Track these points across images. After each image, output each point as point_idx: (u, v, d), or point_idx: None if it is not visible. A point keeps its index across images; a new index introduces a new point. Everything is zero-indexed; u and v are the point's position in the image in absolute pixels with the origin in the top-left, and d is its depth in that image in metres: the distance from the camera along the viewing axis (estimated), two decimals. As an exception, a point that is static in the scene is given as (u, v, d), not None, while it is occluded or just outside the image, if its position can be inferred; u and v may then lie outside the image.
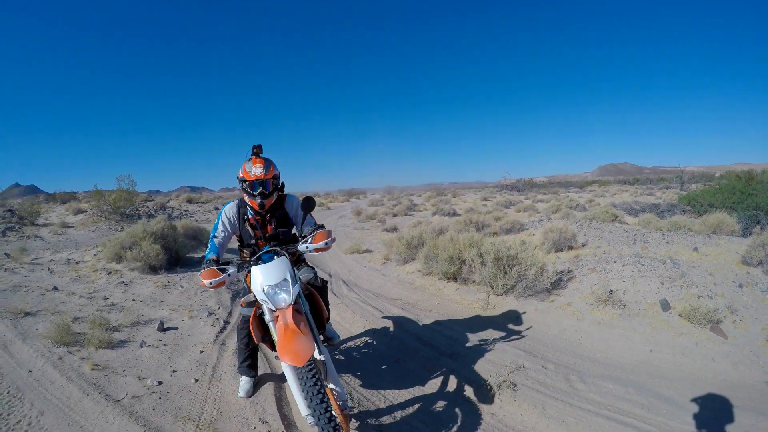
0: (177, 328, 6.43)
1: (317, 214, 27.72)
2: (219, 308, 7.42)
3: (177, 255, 10.44)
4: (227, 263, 3.76)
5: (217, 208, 28.21)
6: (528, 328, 6.59)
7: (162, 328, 6.31)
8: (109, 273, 9.23)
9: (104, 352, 5.40)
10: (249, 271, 3.83)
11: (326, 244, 3.84)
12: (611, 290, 6.99)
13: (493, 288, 7.72)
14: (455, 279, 8.81)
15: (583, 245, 9.84)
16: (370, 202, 36.24)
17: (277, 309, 3.56)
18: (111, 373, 4.88)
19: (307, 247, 3.84)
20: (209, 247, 4.17)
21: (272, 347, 3.94)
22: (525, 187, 47.33)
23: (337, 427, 3.16)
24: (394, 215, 24.27)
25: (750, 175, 16.42)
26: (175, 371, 5.08)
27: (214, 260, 3.78)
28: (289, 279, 3.63)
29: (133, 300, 7.64)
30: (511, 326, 6.68)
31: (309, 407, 3.28)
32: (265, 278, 3.59)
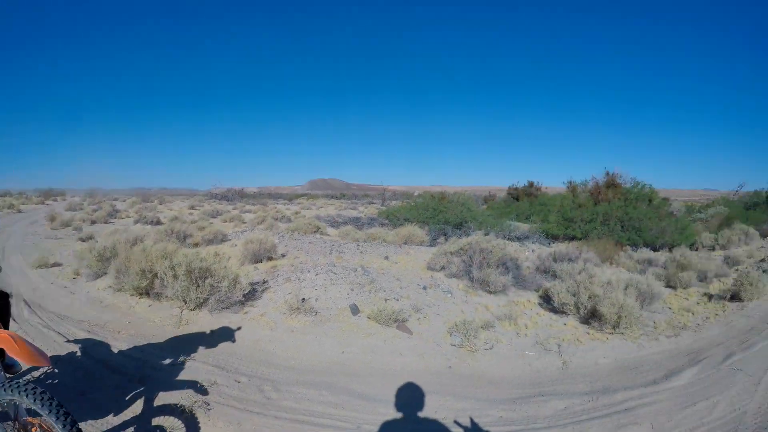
0: None
1: (7, 218, 24.70)
2: None
3: None
4: None
5: None
6: (222, 342, 6.56)
7: None
8: None
9: None
10: None
11: None
12: (303, 299, 7.48)
13: (186, 302, 7.50)
14: (148, 294, 8.33)
15: (283, 256, 10.29)
16: (69, 206, 32.44)
17: None
18: None
19: None
20: None
21: None
22: (235, 196, 47.68)
23: None
24: (93, 222, 22.29)
25: (442, 195, 19.48)
26: None
27: None
28: None
29: None
30: (204, 342, 6.55)
31: None
32: None
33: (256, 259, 9.93)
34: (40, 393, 2.86)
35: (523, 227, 18.40)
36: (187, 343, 6.54)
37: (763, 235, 18.51)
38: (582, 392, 5.47)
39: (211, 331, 6.92)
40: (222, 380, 5.32)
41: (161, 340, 6.74)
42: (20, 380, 3.11)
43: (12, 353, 3.03)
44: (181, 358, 5.96)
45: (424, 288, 7.83)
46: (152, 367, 5.72)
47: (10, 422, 3.10)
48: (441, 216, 17.39)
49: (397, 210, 19.89)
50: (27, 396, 2.87)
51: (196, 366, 5.73)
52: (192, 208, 35.60)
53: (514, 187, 32.37)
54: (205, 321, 7.26)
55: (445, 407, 4.77)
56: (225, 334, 6.80)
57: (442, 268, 8.82)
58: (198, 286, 7.47)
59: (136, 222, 22.75)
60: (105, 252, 9.95)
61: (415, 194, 32.06)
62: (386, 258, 9.66)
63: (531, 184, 31.28)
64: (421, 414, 4.67)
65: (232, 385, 5.25)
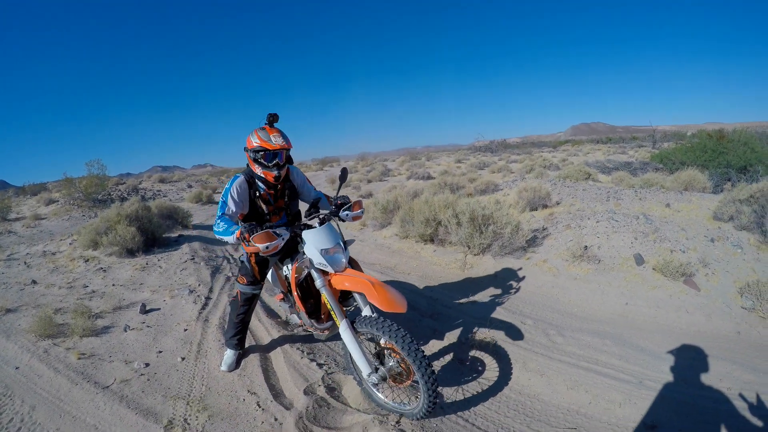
0: (159, 309, 6.33)
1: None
2: (199, 285, 7.28)
3: (153, 236, 10.22)
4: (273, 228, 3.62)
5: (190, 186, 27.70)
6: (505, 286, 6.68)
7: (144, 311, 6.21)
8: (87, 260, 9.01)
9: (89, 340, 5.31)
10: (300, 236, 3.84)
11: (362, 212, 4.19)
12: (586, 246, 7.12)
13: (469, 248, 7.77)
14: (432, 241, 8.84)
15: (558, 203, 9.95)
16: (345, 169, 36.14)
17: (335, 271, 3.66)
18: (98, 360, 4.82)
19: (347, 215, 4.07)
20: (226, 224, 3.70)
21: (311, 314, 4.06)
22: (498, 148, 47.38)
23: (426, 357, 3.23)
24: (369, 181, 24.32)
25: (721, 134, 16.63)
26: (160, 352, 5.03)
27: (254, 226, 3.51)
28: (341, 243, 3.79)
29: (113, 285, 7.49)
30: (489, 285, 6.75)
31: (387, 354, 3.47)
32: (323, 242, 3.69)
33: (532, 207, 9.80)
34: (396, 329, 3.24)
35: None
36: (472, 285, 6.81)
37: None
38: None
39: (495, 275, 7.08)
40: (508, 321, 5.40)
41: (448, 281, 7.11)
42: (373, 316, 3.48)
43: (371, 299, 3.35)
44: (469, 299, 6.21)
45: (712, 240, 6.95)
46: (442, 305, 6.09)
47: (374, 343, 3.61)
48: (722, 158, 15.11)
49: (671, 153, 17.70)
50: (383, 331, 3.27)
51: (483, 306, 5.92)
52: (458, 161, 36.40)
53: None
54: (488, 265, 7.44)
55: (730, 377, 4.17)
56: (508, 279, 6.90)
57: (731, 218, 7.70)
58: (481, 232, 7.64)
59: (409, 178, 24.02)
60: (388, 205, 10.83)
61: (688, 134, 28.47)
62: (667, 205, 8.76)
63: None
64: (705, 380, 4.16)
65: (519, 326, 5.30)
